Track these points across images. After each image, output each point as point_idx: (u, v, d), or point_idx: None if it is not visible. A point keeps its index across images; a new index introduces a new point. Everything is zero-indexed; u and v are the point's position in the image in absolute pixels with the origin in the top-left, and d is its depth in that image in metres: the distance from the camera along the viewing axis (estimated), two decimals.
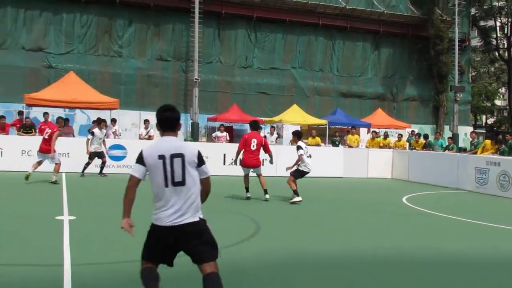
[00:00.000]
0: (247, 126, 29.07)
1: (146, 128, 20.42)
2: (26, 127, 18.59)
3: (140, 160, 4.64)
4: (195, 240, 4.59)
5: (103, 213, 10.43)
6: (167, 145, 4.65)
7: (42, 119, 18.74)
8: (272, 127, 23.31)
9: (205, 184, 4.80)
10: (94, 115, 21.63)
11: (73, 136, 20.83)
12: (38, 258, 6.85)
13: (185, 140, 26.10)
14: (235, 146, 20.73)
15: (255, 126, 13.95)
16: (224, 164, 19.39)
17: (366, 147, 22.88)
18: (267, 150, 13.74)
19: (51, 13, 27.78)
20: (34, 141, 17.46)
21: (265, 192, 13.24)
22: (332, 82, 33.30)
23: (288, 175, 13.36)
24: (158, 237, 4.70)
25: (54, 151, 14.85)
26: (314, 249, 7.95)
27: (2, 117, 19.52)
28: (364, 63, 34.27)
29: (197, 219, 4.65)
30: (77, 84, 21.32)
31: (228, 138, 22.02)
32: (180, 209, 4.56)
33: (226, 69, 30.98)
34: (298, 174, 13.18)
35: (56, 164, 14.88)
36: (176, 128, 4.91)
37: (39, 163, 15.01)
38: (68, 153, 17.89)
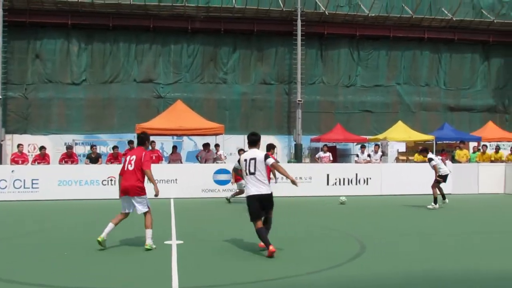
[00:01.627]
0: (351, 145, 29.12)
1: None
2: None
3: (238, 161, 9.43)
4: (268, 202, 9.08)
5: (209, 237, 10.78)
6: (249, 153, 9.11)
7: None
8: (376, 145, 22.95)
9: (272, 167, 9.25)
10: (200, 141, 22.46)
11: (181, 162, 21.67)
12: (147, 283, 7.20)
13: (289, 162, 26.38)
14: (338, 166, 20.83)
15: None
16: (327, 184, 19.30)
17: (476, 161, 21.88)
18: None
19: (160, 45, 29.38)
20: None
21: None
22: (439, 96, 32.22)
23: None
24: (252, 202, 8.97)
25: None
26: (426, 270, 7.73)
27: (115, 147, 20.77)
28: (473, 75, 32.86)
29: (270, 192, 9.06)
30: (184, 112, 22.27)
31: (331, 158, 21.95)
32: (257, 186, 8.93)
33: (329, 89, 30.98)
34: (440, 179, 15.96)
35: None
36: (256, 145, 9.34)
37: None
38: (176, 179, 18.68)
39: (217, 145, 21.72)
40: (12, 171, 18.40)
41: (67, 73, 28.63)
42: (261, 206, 8.89)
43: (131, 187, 9.34)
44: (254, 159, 8.89)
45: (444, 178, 16.17)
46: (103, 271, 7.78)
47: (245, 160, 8.97)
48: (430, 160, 16.13)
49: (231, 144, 27.87)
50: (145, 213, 9.50)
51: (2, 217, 14.24)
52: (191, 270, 7.81)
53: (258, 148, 9.23)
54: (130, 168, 9.40)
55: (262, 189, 8.86)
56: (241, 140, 27.28)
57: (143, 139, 9.85)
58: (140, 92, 29.03)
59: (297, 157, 27.71)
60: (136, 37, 29.18)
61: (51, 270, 7.88)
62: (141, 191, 9.42)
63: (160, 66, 29.38)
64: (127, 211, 9.57)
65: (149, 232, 9.39)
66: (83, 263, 8.36)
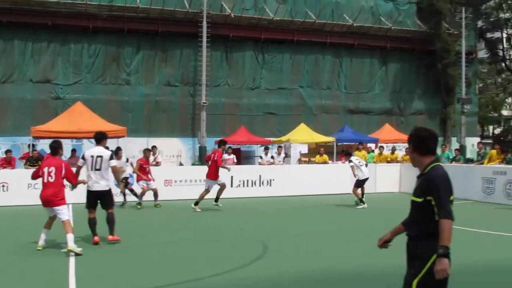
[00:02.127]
0: (255, 147, 29.45)
1: (153, 154, 20.50)
2: (33, 160, 18.62)
3: (82, 157, 10.40)
4: (106, 197, 10.26)
5: (108, 244, 10.50)
6: (95, 150, 10.26)
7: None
8: (279, 147, 23.34)
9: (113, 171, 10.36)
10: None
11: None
12: None
13: (193, 164, 26.24)
14: (242, 168, 20.98)
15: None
16: (231, 186, 19.35)
17: (374, 162, 22.79)
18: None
19: (59, 44, 28.20)
20: None
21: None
22: (340, 99, 33.35)
23: None
24: (91, 196, 10.26)
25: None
26: (315, 268, 7.92)
27: (9, 151, 19.69)
28: (372, 79, 34.30)
29: (108, 188, 10.26)
30: (84, 114, 21.54)
31: (235, 161, 22.07)
32: (98, 183, 10.10)
33: (233, 92, 31.17)
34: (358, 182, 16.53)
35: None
36: (101, 143, 10.45)
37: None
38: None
39: (118, 148, 21.20)
40: None
41: None
42: (97, 199, 10.22)
43: (51, 198, 9.54)
44: (101, 157, 10.09)
45: (362, 182, 16.77)
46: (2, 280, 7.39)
47: (92, 156, 10.14)
48: (350, 162, 17.04)
49: (134, 147, 27.26)
50: (64, 221, 9.51)
51: None
52: (89, 278, 7.61)
53: (104, 146, 10.52)
54: (51, 180, 9.55)
55: (102, 185, 10.12)
56: (144, 142, 26.80)
57: (56, 148, 9.95)
58: (36, 93, 27.60)
59: (201, 159, 27.56)
60: (33, 35, 27.78)
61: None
62: (61, 201, 9.61)
63: (59, 65, 28.18)
64: (52, 215, 9.87)
65: (70, 237, 9.33)
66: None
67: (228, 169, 16.11)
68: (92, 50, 28.81)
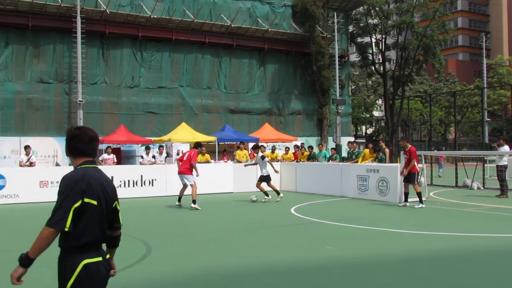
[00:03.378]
0: (135, 147, 28.87)
1: (27, 154, 19.41)
2: None
3: None
4: None
5: None
6: None
7: None
8: (160, 146, 23.04)
9: None
10: None
11: None
12: None
13: (70, 164, 25.17)
14: (123, 168, 20.49)
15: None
16: None
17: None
18: None
19: None
20: None
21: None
22: (220, 99, 33.67)
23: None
24: None
25: None
26: (206, 265, 7.93)
27: None
28: (251, 79, 34.99)
29: None
30: None
31: (115, 160, 21.48)
32: None
33: (112, 90, 30.37)
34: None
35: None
36: None
37: None
38: None
39: None
40: None
41: None
42: None
43: None
44: None
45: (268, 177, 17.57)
46: None
47: None
48: (263, 157, 17.72)
49: (5, 147, 25.73)
50: None
51: None
52: None
53: None
54: None
55: None
56: (17, 142, 25.34)
57: None
58: None
59: None
60: None
61: None
62: None
63: None
64: None
65: None
66: None
67: (197, 174, 16.07)
68: None
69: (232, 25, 33.12)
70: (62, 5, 28.02)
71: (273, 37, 35.09)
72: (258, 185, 17.72)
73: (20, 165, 19.44)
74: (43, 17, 28.18)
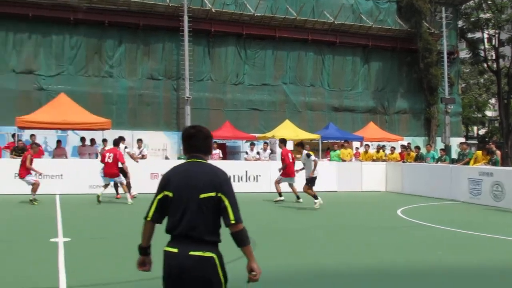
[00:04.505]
0: (240, 143, 29.36)
1: (139, 147, 20.32)
2: (19, 150, 18.49)
3: None
4: None
5: (97, 235, 10.37)
6: None
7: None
8: (265, 143, 23.30)
9: None
10: (86, 136, 21.52)
11: (66, 157, 20.70)
12: (33, 283, 6.78)
13: (179, 158, 26.05)
14: (228, 163, 20.87)
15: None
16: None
17: (360, 160, 22.91)
18: None
19: (41, 35, 27.73)
20: None
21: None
22: (324, 96, 33.41)
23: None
24: None
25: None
26: (308, 264, 7.89)
27: None
28: (355, 77, 34.44)
29: None
30: (68, 106, 21.25)
31: (221, 156, 21.98)
32: None
33: (217, 87, 31.02)
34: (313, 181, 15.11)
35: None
36: None
37: (106, 185, 16.01)
38: (61, 175, 17.82)
39: (104, 140, 20.97)
40: None
41: None
42: None
43: None
44: None
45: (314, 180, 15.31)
46: None
47: None
48: (309, 155, 15.39)
49: None
50: None
51: None
52: (78, 268, 7.48)
53: None
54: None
55: None
56: (129, 135, 26.55)
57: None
58: (20, 83, 27.08)
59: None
60: (14, 26, 27.25)
61: None
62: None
63: (41, 57, 27.71)
64: None
65: None
66: None
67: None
68: (74, 42, 28.39)
69: (335, 22, 32.73)
70: (170, 5, 28.98)
71: (378, 33, 34.31)
72: (305, 189, 15.44)
73: (132, 158, 20.35)
74: (152, 16, 29.26)
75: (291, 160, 16.40)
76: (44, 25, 27.69)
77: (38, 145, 17.68)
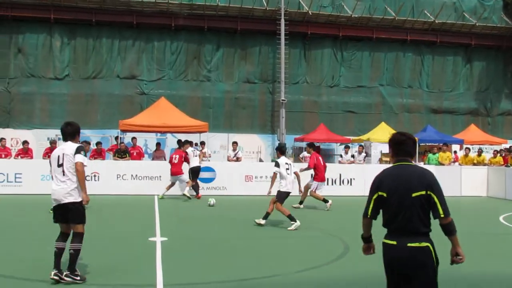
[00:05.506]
0: (334, 146, 29.16)
1: (234, 150, 20.74)
2: (121, 152, 19.45)
3: None
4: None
5: (193, 235, 10.70)
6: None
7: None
8: (360, 146, 22.99)
9: None
10: (184, 138, 22.25)
11: (165, 159, 21.50)
12: (131, 279, 7.13)
13: (272, 161, 26.31)
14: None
15: None
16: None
17: (459, 164, 22.04)
18: None
19: (143, 42, 29.13)
20: (128, 166, 18.35)
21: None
22: (422, 98, 32.43)
23: None
24: None
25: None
26: None
27: (99, 143, 20.58)
28: (455, 77, 33.12)
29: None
30: (167, 109, 22.10)
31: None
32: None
33: (312, 89, 31.00)
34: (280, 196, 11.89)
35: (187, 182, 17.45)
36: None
37: (171, 185, 17.61)
38: (160, 176, 18.53)
39: (202, 143, 21.62)
40: None
41: (50, 68, 28.24)
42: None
43: None
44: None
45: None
46: (88, 266, 7.63)
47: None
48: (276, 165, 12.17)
49: (215, 142, 27.76)
50: None
51: None
52: (175, 267, 7.77)
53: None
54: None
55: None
56: (225, 138, 27.26)
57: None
58: (123, 88, 28.71)
59: None
60: (119, 33, 28.87)
61: (30, 264, 7.72)
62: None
63: (144, 62, 29.11)
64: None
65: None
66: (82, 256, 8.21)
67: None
68: (174, 48, 29.50)
69: (436, 21, 31.66)
70: (267, 9, 29.32)
71: (481, 32, 32.76)
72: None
73: (228, 160, 20.83)
74: (250, 20, 29.74)
75: (323, 164, 16.14)
76: (146, 32, 29.07)
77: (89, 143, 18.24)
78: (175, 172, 17.44)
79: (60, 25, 28.16)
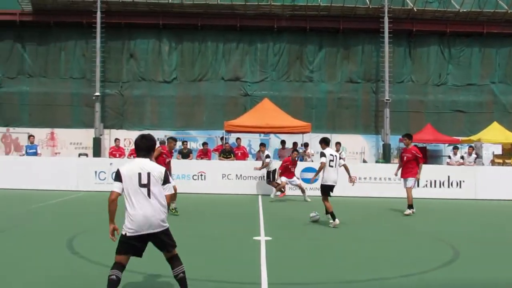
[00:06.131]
0: (442, 146, 28.12)
1: (337, 150, 20.53)
2: (226, 152, 19.96)
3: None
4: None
5: (297, 235, 10.73)
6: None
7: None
8: (470, 147, 22.01)
9: None
10: (288, 139, 22.38)
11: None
12: (236, 276, 7.25)
13: (377, 162, 25.84)
14: (429, 168, 20.09)
15: None
16: (417, 186, 18.58)
17: None
18: None
19: (246, 44, 29.66)
20: (233, 165, 18.76)
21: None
22: None
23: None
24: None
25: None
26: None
27: (205, 143, 21.25)
28: None
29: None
30: (271, 110, 22.36)
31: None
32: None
33: (418, 88, 30.03)
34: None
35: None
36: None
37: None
38: (263, 176, 18.74)
39: (306, 144, 21.65)
40: (111, 164, 19.23)
41: (159, 71, 29.62)
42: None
43: None
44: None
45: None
46: (193, 263, 7.87)
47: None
48: (322, 155, 12.08)
49: (318, 143, 27.63)
50: None
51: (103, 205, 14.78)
52: (279, 267, 7.79)
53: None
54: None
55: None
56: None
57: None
58: (228, 90, 29.45)
59: (385, 157, 27.07)
60: (224, 36, 29.62)
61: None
62: None
63: (247, 64, 29.66)
64: None
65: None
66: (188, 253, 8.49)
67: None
68: (277, 49, 29.77)
69: None
70: (370, 7, 28.81)
71: None
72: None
73: None
74: (352, 19, 29.34)
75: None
76: (250, 34, 29.57)
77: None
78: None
79: (168, 30, 29.39)
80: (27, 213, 13.29)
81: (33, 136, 22.30)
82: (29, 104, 29.29)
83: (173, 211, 12.85)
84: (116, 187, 5.57)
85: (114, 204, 5.56)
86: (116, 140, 22.56)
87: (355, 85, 29.98)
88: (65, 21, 28.87)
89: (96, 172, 19.11)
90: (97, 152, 27.18)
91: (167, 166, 12.56)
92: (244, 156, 20.57)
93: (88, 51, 29.09)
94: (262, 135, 26.17)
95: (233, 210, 14.62)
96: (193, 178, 18.97)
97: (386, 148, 27.56)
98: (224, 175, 18.75)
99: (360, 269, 7.83)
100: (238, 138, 21.38)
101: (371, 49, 29.94)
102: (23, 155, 21.24)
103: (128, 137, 27.59)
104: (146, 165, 5.70)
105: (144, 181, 5.57)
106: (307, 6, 28.63)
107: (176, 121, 29.26)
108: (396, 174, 14.83)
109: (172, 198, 11.14)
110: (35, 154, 20.88)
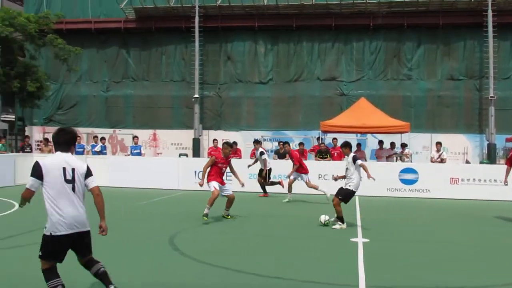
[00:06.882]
0: None
1: (437, 150, 19.95)
2: (322, 153, 19.89)
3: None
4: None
5: (395, 238, 10.52)
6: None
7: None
8: None
9: None
10: (385, 139, 21.92)
11: (365, 160, 21.44)
12: (333, 278, 7.22)
13: (481, 162, 24.72)
14: None
15: None
16: None
17: None
18: None
19: (342, 43, 29.43)
20: (329, 166, 18.64)
21: None
22: None
23: None
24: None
25: None
26: None
27: (301, 143, 21.29)
28: None
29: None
30: (367, 110, 21.97)
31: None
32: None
33: None
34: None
35: None
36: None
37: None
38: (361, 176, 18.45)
39: (403, 145, 21.13)
40: None
41: (255, 73, 30.13)
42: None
43: None
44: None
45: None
46: (291, 263, 7.92)
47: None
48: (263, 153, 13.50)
49: (417, 143, 26.92)
50: None
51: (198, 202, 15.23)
52: (377, 269, 7.69)
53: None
54: None
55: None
56: (428, 138, 26.28)
57: None
58: (323, 90, 29.38)
59: (490, 158, 25.82)
60: (319, 36, 29.57)
61: (245, 259, 8.22)
62: None
63: (343, 64, 29.41)
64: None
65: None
66: (271, 252, 8.61)
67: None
68: (373, 47, 29.30)
69: None
70: (472, 0, 27.62)
71: None
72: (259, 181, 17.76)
73: (431, 161, 20.09)
74: (452, 14, 28.27)
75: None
76: (345, 33, 29.34)
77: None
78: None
79: (264, 32, 29.77)
80: (135, 208, 13.95)
81: (137, 137, 23.43)
82: (133, 106, 30.81)
83: (229, 217, 12.48)
84: (32, 185, 5.19)
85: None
86: (214, 140, 23.25)
87: (457, 82, 28.84)
88: (165, 26, 30.10)
89: (195, 172, 19.64)
90: (196, 152, 28.15)
91: (221, 174, 12.30)
92: (340, 157, 20.37)
93: (187, 55, 30.17)
94: (359, 135, 25.82)
95: (347, 211, 14.51)
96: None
97: (491, 148, 26.30)
98: (320, 175, 18.66)
99: (459, 275, 7.54)
100: (334, 139, 21.23)
101: (474, 44, 28.70)
102: (128, 155, 22.32)
103: (225, 137, 28.20)
104: (71, 160, 5.37)
105: (69, 176, 5.24)
106: (404, 2, 27.99)
107: (272, 121, 29.63)
108: (506, 183, 13.35)
109: (229, 204, 12.08)
110: (139, 154, 21.94)
